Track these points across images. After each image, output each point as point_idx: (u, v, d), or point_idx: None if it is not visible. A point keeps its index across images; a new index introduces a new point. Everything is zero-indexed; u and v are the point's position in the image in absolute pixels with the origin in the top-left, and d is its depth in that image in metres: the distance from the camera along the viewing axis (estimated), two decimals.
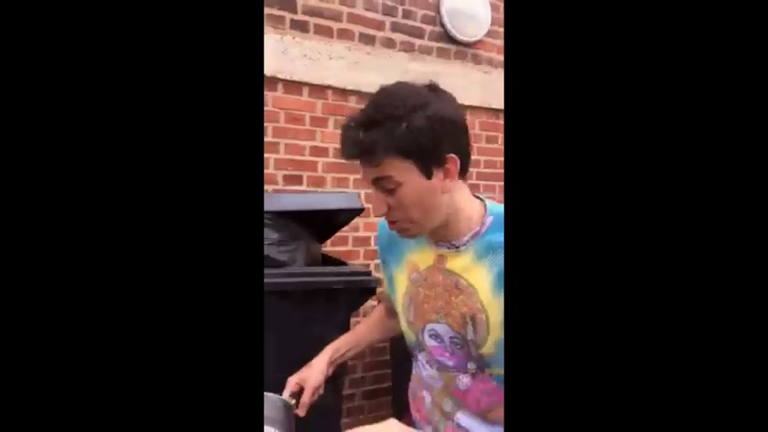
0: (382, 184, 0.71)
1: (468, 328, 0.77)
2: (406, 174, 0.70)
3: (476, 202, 0.79)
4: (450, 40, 2.42)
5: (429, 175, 0.70)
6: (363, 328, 1.05)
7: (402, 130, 0.68)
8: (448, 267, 0.78)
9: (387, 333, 1.05)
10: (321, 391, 0.94)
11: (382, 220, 0.84)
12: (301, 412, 0.89)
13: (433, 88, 0.74)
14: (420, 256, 0.83)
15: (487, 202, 0.81)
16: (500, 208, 0.79)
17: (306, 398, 0.89)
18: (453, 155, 0.71)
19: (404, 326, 0.88)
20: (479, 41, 2.49)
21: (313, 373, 0.92)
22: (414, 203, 0.72)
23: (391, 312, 0.96)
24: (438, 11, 2.38)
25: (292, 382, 0.92)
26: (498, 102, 2.50)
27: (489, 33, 2.49)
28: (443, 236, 0.78)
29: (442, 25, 2.39)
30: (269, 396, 0.83)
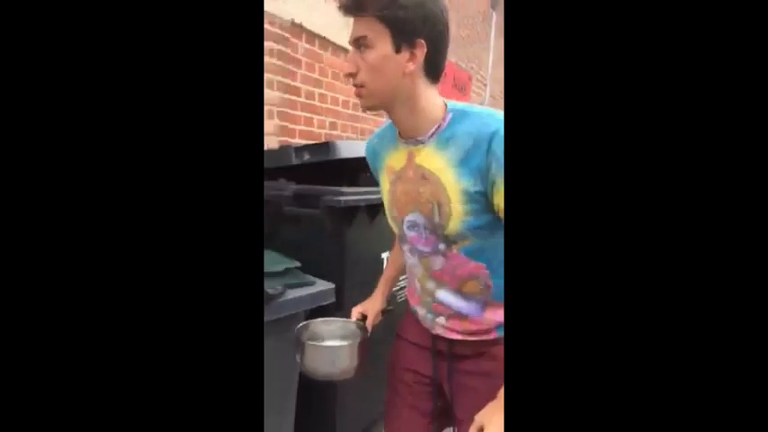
0: (359, 43, 0.80)
1: (434, 212, 0.86)
2: (379, 39, 0.78)
3: (439, 101, 0.86)
4: None
5: (397, 50, 0.78)
6: (394, 258, 1.18)
7: (389, 1, 0.76)
8: (417, 162, 0.87)
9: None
10: (380, 318, 1.12)
11: (372, 137, 1.01)
12: (368, 334, 1.08)
13: None
14: (396, 158, 0.92)
15: (449, 102, 0.88)
16: (460, 105, 0.87)
17: (369, 322, 1.08)
18: (423, 41, 0.78)
19: (391, 223, 1.00)
20: None
21: (374, 304, 1.12)
22: (376, 69, 0.79)
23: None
24: None
25: (356, 312, 1.10)
26: None
27: None
28: (411, 133, 0.87)
29: None
30: (346, 321, 1.08)
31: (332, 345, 1.03)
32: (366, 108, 0.87)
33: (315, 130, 2.50)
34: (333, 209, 1.41)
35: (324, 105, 2.55)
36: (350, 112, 2.79)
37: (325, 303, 1.30)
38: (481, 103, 5.24)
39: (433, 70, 0.83)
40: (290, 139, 2.30)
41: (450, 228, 0.86)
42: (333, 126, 2.66)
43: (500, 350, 0.92)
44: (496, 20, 5.34)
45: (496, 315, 0.92)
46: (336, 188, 1.45)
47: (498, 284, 0.91)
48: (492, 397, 0.85)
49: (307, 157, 1.56)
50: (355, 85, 0.84)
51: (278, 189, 1.58)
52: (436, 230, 0.88)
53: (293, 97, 2.31)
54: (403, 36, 0.78)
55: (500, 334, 0.93)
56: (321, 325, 1.07)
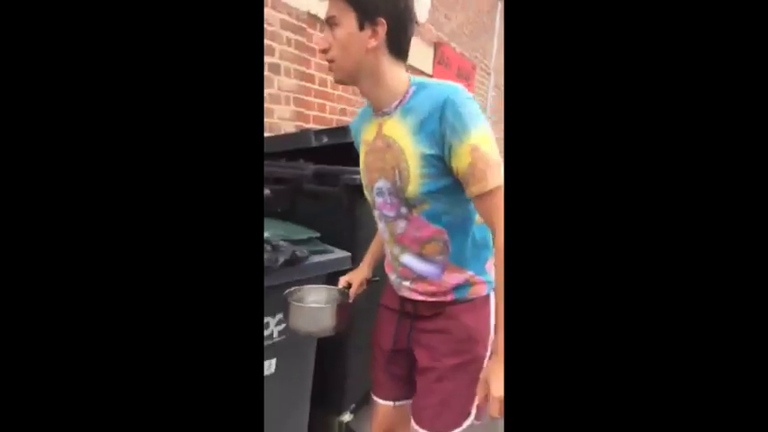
0: (330, 22, 0.90)
1: (396, 177, 0.94)
2: (345, 17, 0.87)
3: (404, 76, 0.94)
4: None
5: (361, 27, 0.87)
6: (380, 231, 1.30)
7: None
8: (384, 132, 0.95)
9: None
10: (364, 287, 1.23)
11: (355, 117, 1.10)
12: (350, 300, 1.19)
13: None
14: (369, 131, 1.00)
15: (413, 77, 0.95)
16: (422, 79, 0.94)
17: (353, 290, 1.19)
18: (383, 20, 0.87)
19: (365, 193, 1.07)
20: None
21: (359, 274, 1.22)
22: (342, 45, 0.89)
23: None
24: None
25: (343, 280, 1.21)
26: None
27: None
28: (378, 105, 0.96)
29: None
30: (330, 288, 1.20)
31: (312, 306, 1.16)
32: (337, 81, 0.96)
33: (327, 115, 2.65)
34: (349, 186, 1.57)
35: (336, 92, 2.70)
36: (359, 98, 2.93)
37: (342, 269, 1.46)
38: (485, 93, 5.34)
39: (397, 47, 0.91)
40: (304, 124, 2.45)
41: (410, 191, 0.92)
42: (343, 112, 2.81)
43: (455, 309, 1.01)
44: (502, 9, 5.43)
45: (453, 278, 1.00)
46: (354, 168, 1.60)
47: (456, 248, 0.98)
48: (449, 350, 0.98)
49: (325, 139, 1.72)
50: (327, 60, 0.93)
51: (298, 168, 1.73)
52: (398, 194, 0.95)
53: (308, 84, 2.46)
54: (365, 15, 0.86)
55: (457, 296, 1.01)
56: (308, 290, 1.19)
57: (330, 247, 1.50)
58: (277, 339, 1.30)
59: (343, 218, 1.66)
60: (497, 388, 0.85)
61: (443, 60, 4.10)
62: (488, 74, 5.56)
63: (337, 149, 1.79)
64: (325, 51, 0.92)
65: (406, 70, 0.95)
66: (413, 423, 1.07)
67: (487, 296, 1.03)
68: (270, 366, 1.32)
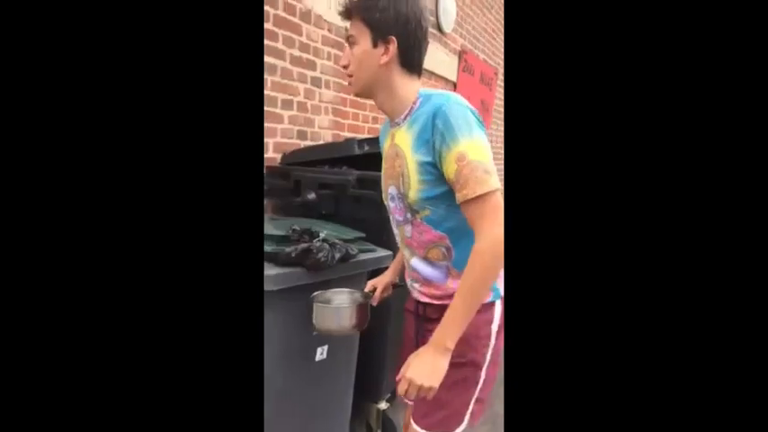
0: (350, 41, 0.99)
1: (401, 182, 0.99)
2: (361, 37, 0.97)
3: (414, 88, 1.00)
4: None
5: (374, 45, 0.96)
6: None
7: (370, 6, 0.95)
8: (395, 142, 1.01)
9: None
10: (389, 291, 1.33)
11: (381, 128, 1.17)
12: (374, 303, 1.29)
13: None
14: (387, 141, 1.07)
15: (422, 89, 1.01)
16: (429, 90, 0.99)
17: (377, 294, 1.30)
18: (394, 38, 0.95)
19: (383, 197, 1.13)
20: None
21: (384, 279, 1.33)
22: (358, 61, 0.98)
23: None
24: None
25: (370, 284, 1.31)
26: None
27: None
28: (392, 117, 1.03)
29: None
30: (353, 291, 1.30)
31: (333, 306, 1.26)
32: (355, 94, 1.05)
33: (360, 123, 2.81)
34: None
35: (368, 102, 2.86)
36: None
37: (384, 266, 1.61)
38: (501, 97, 5.45)
39: (409, 61, 0.98)
40: (340, 132, 2.62)
41: (411, 197, 0.97)
42: (375, 120, 2.96)
43: None
44: None
45: (456, 283, 0.98)
46: None
47: (459, 254, 1.00)
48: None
49: (366, 148, 1.87)
50: (347, 75, 1.02)
51: (342, 174, 1.89)
52: (404, 200, 1.01)
53: (344, 95, 2.62)
54: (378, 33, 0.95)
55: None
56: (333, 293, 1.29)
57: (374, 246, 1.66)
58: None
59: (383, 220, 1.81)
60: (412, 369, 0.91)
61: (468, 68, 4.23)
62: None
63: (376, 157, 1.94)
64: (345, 67, 1.02)
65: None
66: (411, 419, 1.12)
67: (491, 304, 1.03)
68: (322, 353, 1.48)
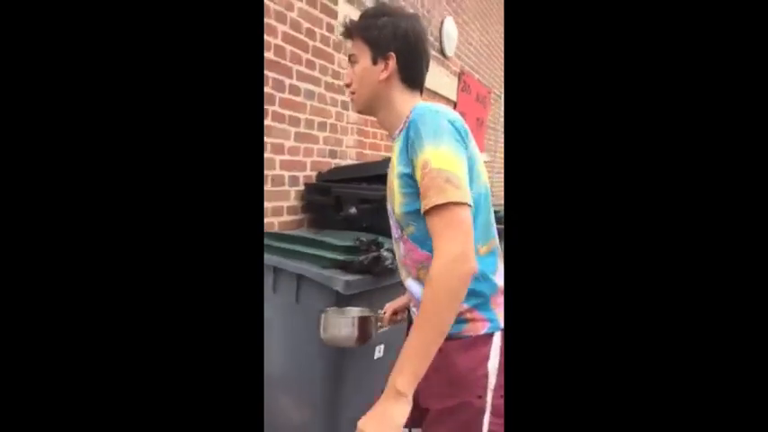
0: (351, 59, 1.01)
1: (390, 198, 0.98)
2: (362, 55, 0.98)
3: (412, 104, 0.97)
4: None
5: (374, 62, 0.97)
6: None
7: (369, 25, 0.97)
8: (392, 156, 0.99)
9: None
10: (402, 316, 1.32)
11: None
12: (384, 323, 1.32)
13: (411, 14, 1.02)
14: (392, 156, 1.02)
15: (417, 104, 0.95)
16: (422, 104, 0.93)
17: (387, 314, 1.31)
18: (393, 54, 0.96)
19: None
20: None
21: (396, 302, 1.34)
22: (359, 78, 0.99)
23: None
24: None
25: (387, 306, 1.32)
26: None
27: None
28: (391, 132, 1.01)
29: None
30: (362, 309, 1.35)
31: (337, 318, 1.28)
32: (357, 111, 1.05)
33: (378, 141, 3.01)
34: None
35: None
36: None
37: None
38: (494, 115, 5.74)
39: (409, 77, 0.99)
40: (363, 151, 2.82)
41: (396, 211, 0.95)
42: None
43: (447, 346, 0.84)
44: None
45: None
46: None
47: None
48: (435, 393, 0.90)
49: None
50: (350, 93, 1.03)
51: (380, 190, 2.09)
52: (393, 215, 0.99)
53: (366, 116, 2.83)
54: (377, 50, 0.97)
55: (450, 331, 0.84)
56: (344, 310, 1.33)
57: None
58: (385, 329, 1.63)
59: None
60: (363, 418, 0.77)
61: (465, 88, 4.49)
62: (500, 96, 5.96)
63: None
64: (348, 86, 1.04)
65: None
66: None
67: (488, 336, 0.91)
68: (379, 350, 1.65)
